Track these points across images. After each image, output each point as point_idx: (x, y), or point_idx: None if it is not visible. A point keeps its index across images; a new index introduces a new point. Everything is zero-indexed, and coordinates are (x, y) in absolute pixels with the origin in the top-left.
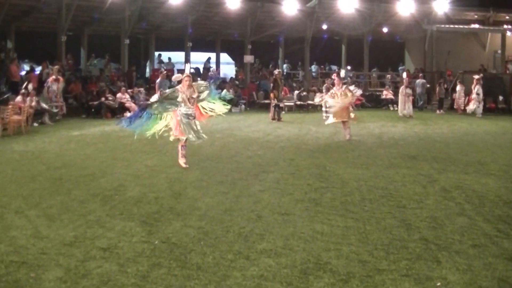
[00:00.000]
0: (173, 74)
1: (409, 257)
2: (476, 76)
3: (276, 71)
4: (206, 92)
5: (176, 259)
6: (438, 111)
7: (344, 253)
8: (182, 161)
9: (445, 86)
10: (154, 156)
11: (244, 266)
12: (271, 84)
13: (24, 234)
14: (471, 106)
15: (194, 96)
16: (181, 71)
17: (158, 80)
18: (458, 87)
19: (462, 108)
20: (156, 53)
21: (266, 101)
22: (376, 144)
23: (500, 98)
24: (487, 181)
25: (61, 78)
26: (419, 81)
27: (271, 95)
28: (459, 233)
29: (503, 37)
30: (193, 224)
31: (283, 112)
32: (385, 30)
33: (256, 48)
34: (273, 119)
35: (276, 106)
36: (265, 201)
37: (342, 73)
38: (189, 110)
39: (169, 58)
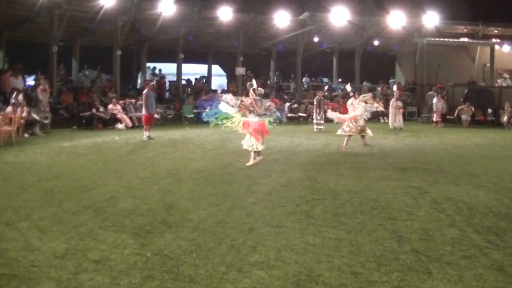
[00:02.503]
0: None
1: (401, 268)
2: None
3: (248, 84)
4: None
5: (169, 271)
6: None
7: (336, 265)
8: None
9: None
10: (146, 167)
11: (236, 279)
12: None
13: (15, 247)
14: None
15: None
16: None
17: (145, 91)
18: (435, 100)
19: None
20: (151, 65)
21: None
22: (367, 156)
23: (489, 110)
24: (478, 193)
25: (48, 89)
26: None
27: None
28: (450, 245)
29: (492, 50)
30: (185, 236)
31: (274, 124)
32: (376, 43)
33: (248, 60)
34: None
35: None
36: (257, 213)
37: (348, 87)
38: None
39: (160, 70)
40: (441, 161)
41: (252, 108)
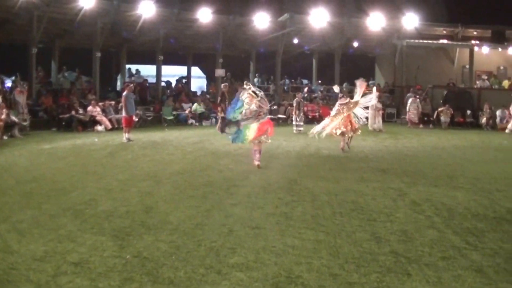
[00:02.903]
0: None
1: (380, 270)
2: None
3: (223, 85)
4: None
5: (148, 273)
6: (409, 125)
7: (315, 266)
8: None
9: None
10: (125, 170)
11: (215, 281)
12: (219, 98)
13: None
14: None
15: None
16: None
17: (124, 93)
18: (409, 101)
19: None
20: (133, 67)
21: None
22: (346, 158)
23: (468, 112)
24: (456, 194)
25: (26, 91)
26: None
27: (219, 108)
28: (428, 246)
29: (471, 52)
30: (164, 238)
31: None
32: (355, 45)
33: (227, 62)
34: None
35: (223, 118)
36: (236, 215)
37: (336, 88)
38: None
39: (137, 70)
40: (420, 163)
41: (262, 109)
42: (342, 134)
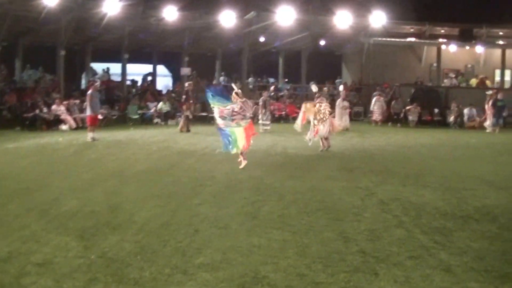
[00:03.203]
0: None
1: (347, 269)
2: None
3: (187, 84)
4: None
5: (113, 274)
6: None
7: (282, 266)
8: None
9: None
10: (90, 169)
11: (181, 281)
12: (183, 96)
13: None
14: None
15: None
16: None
17: (89, 92)
18: (373, 100)
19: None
20: (99, 66)
21: (203, 114)
22: (313, 157)
23: (436, 110)
24: (424, 193)
25: None
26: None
27: (184, 106)
28: (396, 245)
29: (439, 50)
30: (130, 238)
31: (212, 122)
32: (322, 43)
33: (193, 60)
34: (182, 130)
35: (187, 117)
36: (202, 215)
37: (314, 87)
38: None
39: (103, 70)
40: (387, 162)
41: (244, 112)
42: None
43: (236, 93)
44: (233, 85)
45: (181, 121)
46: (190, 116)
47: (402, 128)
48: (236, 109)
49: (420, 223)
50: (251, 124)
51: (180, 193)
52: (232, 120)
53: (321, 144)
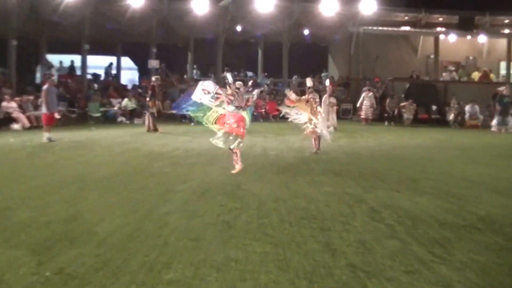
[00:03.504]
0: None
1: (335, 286)
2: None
3: (153, 78)
4: None
5: None
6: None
7: (262, 282)
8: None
9: (376, 95)
10: (46, 174)
11: None
12: (149, 92)
13: None
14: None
15: None
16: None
17: (45, 87)
18: (362, 96)
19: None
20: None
21: (173, 112)
22: (296, 159)
23: (434, 107)
24: (420, 200)
25: None
26: None
27: (150, 103)
28: (390, 258)
29: (436, 40)
30: (90, 252)
31: (192, 124)
32: (306, 32)
33: (162, 52)
34: (149, 129)
35: (153, 115)
36: (172, 225)
37: (309, 82)
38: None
39: (60, 62)
40: (379, 165)
41: (232, 98)
42: (314, 133)
43: (229, 86)
44: (226, 74)
45: (147, 119)
46: (156, 114)
47: (395, 128)
48: (223, 92)
49: (416, 234)
50: (240, 118)
51: (148, 200)
52: (215, 99)
53: (313, 144)
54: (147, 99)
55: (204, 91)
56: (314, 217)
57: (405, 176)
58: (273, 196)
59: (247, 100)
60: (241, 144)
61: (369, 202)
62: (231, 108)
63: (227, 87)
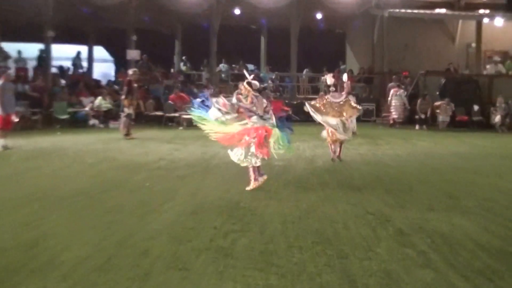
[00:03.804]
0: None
1: None
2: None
3: (130, 71)
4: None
5: None
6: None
7: None
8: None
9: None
10: (0, 189)
11: None
12: (125, 88)
13: None
14: None
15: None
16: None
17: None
18: (391, 93)
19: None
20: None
21: (158, 113)
22: (308, 171)
23: (475, 108)
24: (461, 222)
25: None
26: None
27: (125, 102)
28: None
29: (479, 25)
30: (54, 286)
31: (180, 128)
32: (319, 17)
33: (144, 40)
34: (128, 134)
35: (129, 116)
36: (156, 252)
37: (329, 79)
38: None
39: (19, 52)
40: (409, 178)
41: (254, 109)
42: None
43: (249, 84)
44: (245, 72)
45: (122, 122)
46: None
47: (428, 132)
48: (243, 102)
49: (455, 263)
50: (266, 130)
51: (125, 222)
52: (235, 114)
53: (331, 151)
54: (122, 97)
55: (221, 110)
56: (329, 241)
57: (441, 192)
58: (279, 216)
59: (266, 106)
60: (258, 163)
61: (396, 224)
62: (254, 119)
63: (245, 87)
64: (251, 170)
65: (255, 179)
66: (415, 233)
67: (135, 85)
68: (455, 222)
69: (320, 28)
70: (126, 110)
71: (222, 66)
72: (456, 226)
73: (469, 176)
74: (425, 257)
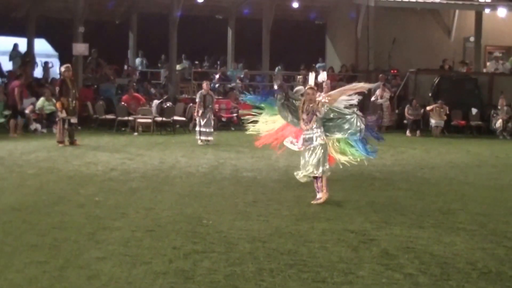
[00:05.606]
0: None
1: None
2: None
3: (62, 68)
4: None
5: None
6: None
7: None
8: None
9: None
10: None
11: None
12: (57, 88)
13: None
14: None
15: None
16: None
17: None
18: (377, 92)
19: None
20: None
21: (109, 116)
22: (281, 183)
23: (474, 111)
24: (454, 240)
25: None
26: None
27: (58, 104)
28: None
29: (479, 16)
30: None
31: (135, 134)
32: (295, 5)
33: (93, 32)
34: (61, 142)
35: (66, 122)
36: (107, 275)
37: (323, 75)
38: (307, 134)
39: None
40: (396, 191)
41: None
42: None
43: (312, 89)
44: (311, 76)
45: (58, 129)
46: (72, 120)
47: (420, 138)
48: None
49: (446, 287)
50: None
51: (72, 241)
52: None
53: None
54: (53, 100)
55: (290, 109)
56: (304, 263)
57: (432, 207)
58: (248, 235)
59: None
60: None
61: (381, 243)
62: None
63: (308, 92)
64: (324, 180)
65: (327, 191)
66: (402, 253)
67: (70, 83)
68: (446, 241)
69: (297, 18)
70: (60, 115)
71: (184, 63)
72: (448, 244)
73: (463, 188)
74: (413, 280)
